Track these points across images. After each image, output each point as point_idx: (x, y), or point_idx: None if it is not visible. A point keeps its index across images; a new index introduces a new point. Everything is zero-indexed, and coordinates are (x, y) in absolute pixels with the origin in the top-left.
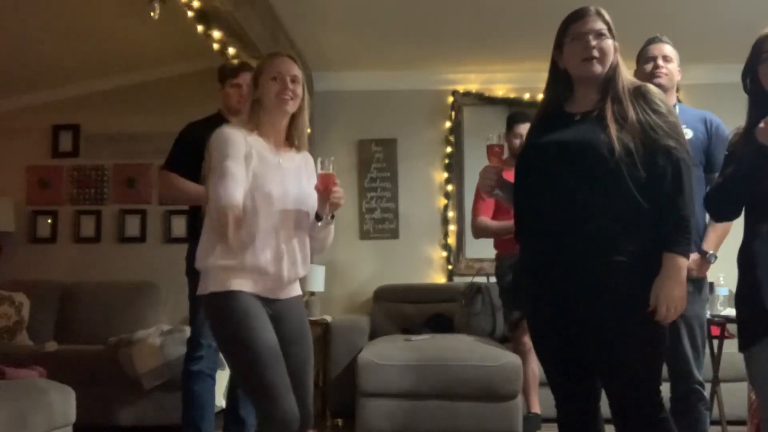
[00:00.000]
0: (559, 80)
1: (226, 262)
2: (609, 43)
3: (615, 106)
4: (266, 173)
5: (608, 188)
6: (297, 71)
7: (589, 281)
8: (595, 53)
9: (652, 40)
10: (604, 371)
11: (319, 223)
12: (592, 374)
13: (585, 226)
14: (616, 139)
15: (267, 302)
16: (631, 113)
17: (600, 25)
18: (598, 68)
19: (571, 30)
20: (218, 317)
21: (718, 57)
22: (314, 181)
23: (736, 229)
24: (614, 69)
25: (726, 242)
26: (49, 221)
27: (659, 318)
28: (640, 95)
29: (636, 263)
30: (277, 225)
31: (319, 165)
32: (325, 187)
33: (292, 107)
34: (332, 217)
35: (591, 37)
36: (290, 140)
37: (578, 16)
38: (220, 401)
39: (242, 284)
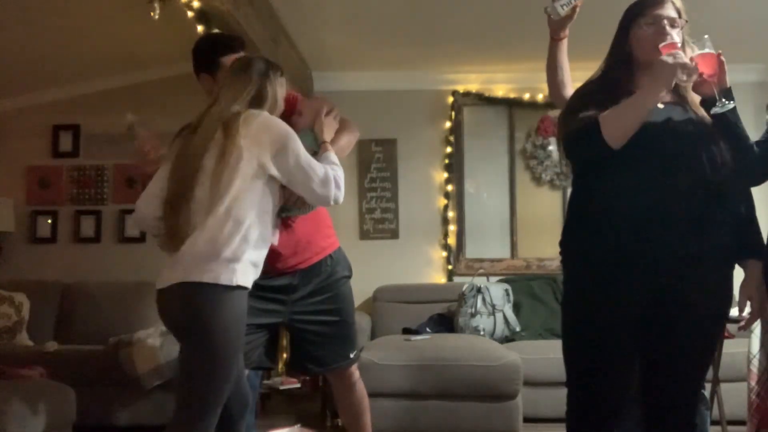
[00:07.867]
0: (623, 63)
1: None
2: (678, 33)
3: (692, 103)
4: None
5: (708, 188)
6: None
7: (677, 275)
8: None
9: None
10: (663, 365)
11: None
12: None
13: (679, 221)
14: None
15: None
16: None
17: (672, 13)
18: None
19: (648, 14)
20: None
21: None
22: None
23: None
24: None
25: None
26: (49, 221)
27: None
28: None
29: (720, 263)
30: None
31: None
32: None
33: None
34: None
35: (665, 23)
36: None
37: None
38: None
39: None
